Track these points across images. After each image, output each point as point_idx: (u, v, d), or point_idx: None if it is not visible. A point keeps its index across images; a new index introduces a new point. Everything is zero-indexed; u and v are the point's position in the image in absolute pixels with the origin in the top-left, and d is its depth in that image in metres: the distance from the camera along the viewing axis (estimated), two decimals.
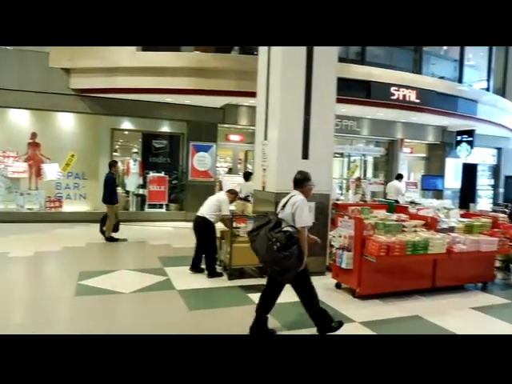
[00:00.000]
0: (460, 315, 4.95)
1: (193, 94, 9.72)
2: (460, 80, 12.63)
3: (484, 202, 15.31)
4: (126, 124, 11.63)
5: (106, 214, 8.36)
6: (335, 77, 6.50)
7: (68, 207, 10.94)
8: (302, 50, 6.10)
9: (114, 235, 8.36)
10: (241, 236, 6.13)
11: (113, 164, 8.71)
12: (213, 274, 6.04)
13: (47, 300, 4.93)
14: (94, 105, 10.42)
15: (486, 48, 13.58)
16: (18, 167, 10.53)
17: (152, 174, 11.55)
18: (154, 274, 6.03)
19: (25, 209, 10.32)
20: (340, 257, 5.40)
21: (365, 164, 14.79)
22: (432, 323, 4.60)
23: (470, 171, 13.79)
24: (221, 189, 10.68)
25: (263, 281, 5.90)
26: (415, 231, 5.57)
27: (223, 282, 5.86)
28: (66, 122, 11.09)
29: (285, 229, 3.83)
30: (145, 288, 5.44)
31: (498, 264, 6.60)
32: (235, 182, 10.43)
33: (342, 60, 9.29)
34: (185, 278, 5.89)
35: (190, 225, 6.35)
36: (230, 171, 13.17)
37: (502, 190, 15.76)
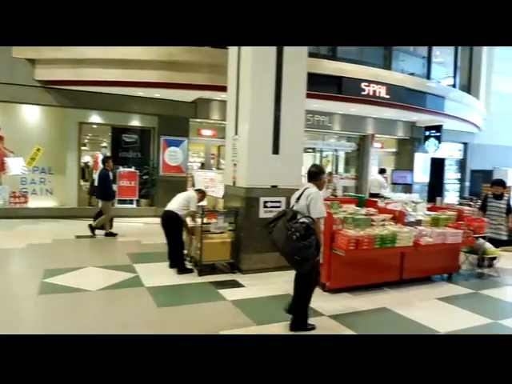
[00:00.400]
0: (426, 306, 5.08)
1: (163, 87, 9.53)
2: (428, 76, 12.89)
3: (451, 195, 15.77)
4: (95, 117, 11.30)
5: (101, 209, 8.33)
6: (305, 73, 6.51)
7: (34, 203, 10.60)
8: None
9: (99, 231, 8.32)
10: (211, 232, 6.08)
11: (106, 160, 8.60)
12: (183, 270, 5.97)
13: (9, 299, 4.75)
14: (61, 97, 10.07)
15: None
16: None
17: (122, 169, 11.31)
18: (122, 271, 5.91)
19: None
20: None
21: (337, 159, 14.97)
22: (399, 314, 4.71)
23: (437, 165, 14.18)
24: (193, 184, 10.57)
25: (234, 276, 5.90)
26: (383, 225, 5.66)
27: (193, 278, 5.80)
28: (32, 115, 10.68)
29: (301, 220, 3.86)
30: (112, 285, 5.32)
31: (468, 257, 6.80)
32: (207, 177, 10.30)
33: (313, 55, 9.32)
34: (154, 275, 5.78)
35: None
36: (203, 166, 13.04)
37: (467, 184, 16.25)
